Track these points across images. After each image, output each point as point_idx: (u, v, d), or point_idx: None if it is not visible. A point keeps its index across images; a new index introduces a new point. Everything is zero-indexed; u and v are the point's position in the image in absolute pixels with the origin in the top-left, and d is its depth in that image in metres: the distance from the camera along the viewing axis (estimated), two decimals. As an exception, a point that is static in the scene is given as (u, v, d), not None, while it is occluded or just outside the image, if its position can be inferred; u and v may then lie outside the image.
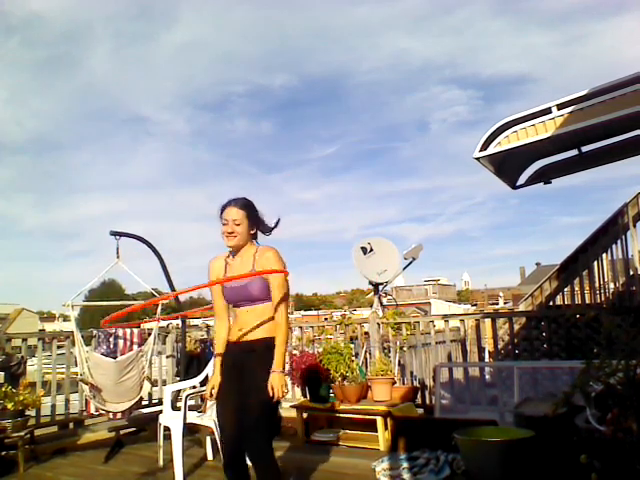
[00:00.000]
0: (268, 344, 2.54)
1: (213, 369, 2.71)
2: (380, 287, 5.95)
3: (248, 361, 2.56)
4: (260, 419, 2.47)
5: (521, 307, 8.58)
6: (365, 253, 5.93)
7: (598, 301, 7.45)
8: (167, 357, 6.14)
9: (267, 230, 2.71)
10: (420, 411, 4.84)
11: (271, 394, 2.43)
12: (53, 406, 5.01)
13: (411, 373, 5.69)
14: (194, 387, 4.34)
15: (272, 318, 2.58)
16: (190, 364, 5.72)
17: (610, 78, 4.84)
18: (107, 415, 4.82)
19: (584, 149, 6.17)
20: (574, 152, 6.24)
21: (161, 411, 4.19)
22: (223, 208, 2.63)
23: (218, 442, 3.91)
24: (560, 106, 5.13)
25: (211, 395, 2.63)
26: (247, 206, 2.64)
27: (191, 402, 4.34)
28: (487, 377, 5.30)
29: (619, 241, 7.15)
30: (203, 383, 4.38)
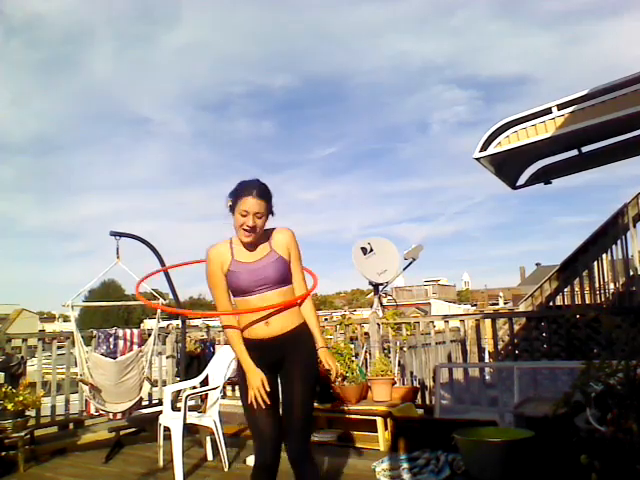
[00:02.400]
0: (305, 331, 2.36)
1: (245, 368, 2.27)
2: (380, 287, 5.95)
3: (290, 355, 2.31)
4: (308, 418, 2.37)
5: (521, 307, 8.59)
6: (365, 253, 5.93)
7: (598, 301, 7.46)
8: (167, 357, 6.15)
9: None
10: (420, 411, 4.83)
11: (332, 373, 2.36)
12: (53, 406, 5.00)
13: (411, 373, 5.69)
14: (194, 387, 4.34)
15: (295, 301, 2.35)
16: (190, 364, 5.72)
17: (610, 79, 4.85)
18: (107, 415, 4.81)
19: (584, 149, 6.18)
20: (574, 152, 6.24)
21: (161, 411, 4.19)
22: (240, 194, 2.26)
23: (219, 443, 3.91)
24: (560, 106, 5.13)
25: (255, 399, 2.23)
26: (269, 194, 2.31)
27: (191, 402, 4.34)
28: (487, 377, 5.30)
29: (619, 241, 7.16)
30: (203, 383, 4.38)
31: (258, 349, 2.30)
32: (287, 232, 2.39)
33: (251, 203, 2.22)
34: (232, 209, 2.29)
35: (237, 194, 2.27)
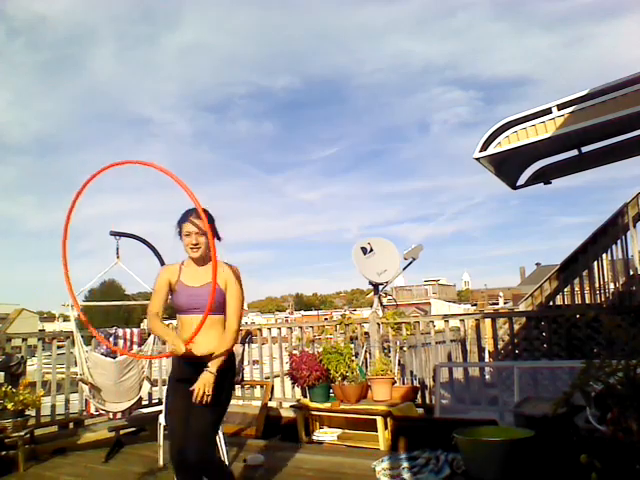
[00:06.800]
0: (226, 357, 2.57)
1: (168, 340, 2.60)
2: (380, 287, 5.95)
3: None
4: (202, 430, 2.50)
5: (521, 307, 8.58)
6: (365, 253, 5.92)
7: (598, 301, 7.45)
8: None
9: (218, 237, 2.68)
10: (420, 411, 4.84)
11: (195, 393, 2.41)
12: (53, 406, 5.00)
13: (411, 373, 5.69)
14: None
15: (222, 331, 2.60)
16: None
17: (610, 79, 4.85)
18: (107, 415, 4.81)
19: (584, 149, 6.17)
20: (574, 152, 6.24)
21: (161, 411, 4.19)
22: (181, 221, 2.63)
23: (219, 443, 3.91)
24: (560, 106, 5.13)
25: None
26: (209, 217, 2.60)
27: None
28: (487, 377, 5.31)
29: (619, 241, 7.15)
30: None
31: (184, 363, 2.63)
32: (232, 269, 2.65)
33: (190, 225, 2.58)
34: (180, 235, 2.64)
35: (179, 221, 2.64)
